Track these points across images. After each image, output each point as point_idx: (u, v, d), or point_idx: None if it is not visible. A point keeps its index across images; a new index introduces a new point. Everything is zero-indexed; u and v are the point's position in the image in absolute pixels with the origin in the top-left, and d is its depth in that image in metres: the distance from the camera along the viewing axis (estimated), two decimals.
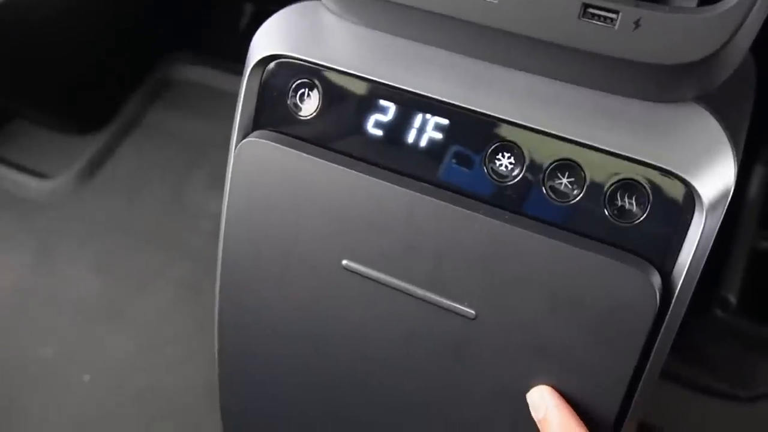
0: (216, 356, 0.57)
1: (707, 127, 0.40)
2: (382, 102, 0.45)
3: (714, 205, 0.39)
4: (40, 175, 1.19)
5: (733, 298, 0.72)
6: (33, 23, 1.08)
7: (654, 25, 0.36)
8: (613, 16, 0.37)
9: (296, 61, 0.47)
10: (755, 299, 0.74)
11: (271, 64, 0.48)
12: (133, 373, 0.96)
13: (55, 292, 1.05)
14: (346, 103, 0.46)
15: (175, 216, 1.13)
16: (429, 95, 0.44)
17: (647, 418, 0.79)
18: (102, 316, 1.01)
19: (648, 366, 0.42)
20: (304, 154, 0.46)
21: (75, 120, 1.24)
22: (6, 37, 1.05)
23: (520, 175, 0.43)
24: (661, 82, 0.39)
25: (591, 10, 0.37)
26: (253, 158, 0.48)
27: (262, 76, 0.48)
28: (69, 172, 1.18)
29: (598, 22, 0.37)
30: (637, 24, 0.37)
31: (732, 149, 0.40)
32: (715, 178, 0.39)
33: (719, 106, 0.41)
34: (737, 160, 0.40)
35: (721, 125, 0.40)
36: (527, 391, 0.44)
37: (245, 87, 0.49)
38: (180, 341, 0.98)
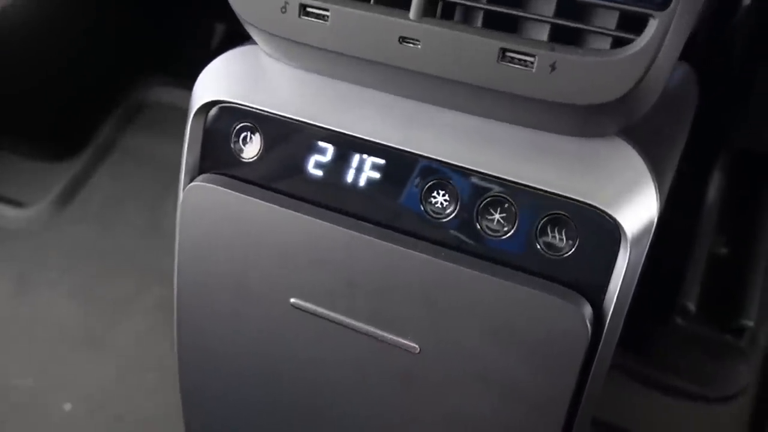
0: (179, 389, 0.58)
1: (629, 162, 0.41)
2: (321, 144, 0.47)
3: (638, 238, 0.41)
4: (16, 204, 1.20)
5: (692, 306, 0.73)
6: (5, 50, 1.08)
7: (569, 68, 0.37)
8: (530, 59, 0.38)
9: (237, 106, 0.48)
10: (715, 305, 0.76)
11: (213, 110, 0.49)
12: (113, 399, 0.97)
13: (34, 321, 1.05)
14: (286, 145, 0.48)
15: (151, 240, 1.14)
16: (364, 137, 0.45)
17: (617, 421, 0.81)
18: (81, 343, 1.02)
19: (585, 392, 0.43)
20: (249, 197, 0.48)
21: (49, 146, 1.24)
22: None
23: (455, 213, 0.44)
24: (583, 120, 0.40)
25: (509, 54, 0.39)
26: (199, 201, 0.49)
27: (205, 120, 0.50)
28: (45, 200, 1.19)
29: (517, 65, 0.39)
30: (553, 67, 0.38)
31: (654, 183, 0.41)
32: (638, 211, 0.41)
33: (643, 139, 0.42)
34: (660, 193, 0.41)
35: (643, 159, 0.41)
36: (472, 418, 0.45)
37: (189, 132, 0.50)
38: (159, 366, 0.99)
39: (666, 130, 0.47)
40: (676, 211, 0.72)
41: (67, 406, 0.96)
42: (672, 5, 0.35)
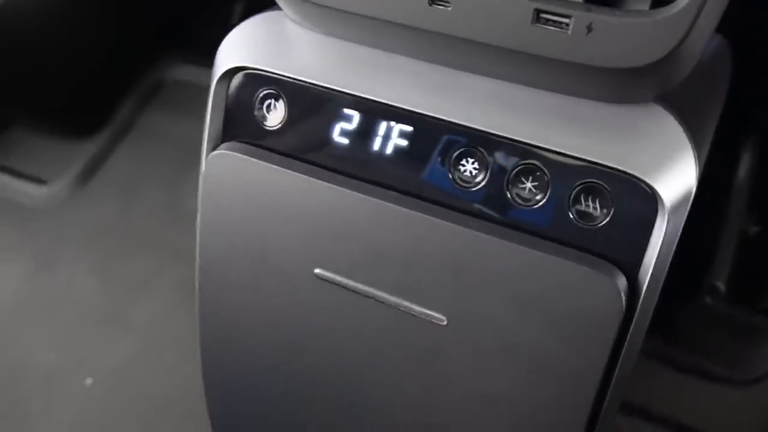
0: (200, 363, 0.58)
1: (668, 129, 0.40)
2: (347, 111, 0.46)
3: (676, 207, 0.39)
4: (37, 181, 1.20)
5: (721, 286, 0.71)
6: (24, 31, 1.08)
7: (606, 29, 0.36)
8: (566, 21, 0.37)
9: (261, 72, 0.47)
10: (745, 285, 0.74)
11: (237, 76, 0.48)
12: (133, 375, 0.97)
13: (55, 298, 1.06)
14: (311, 113, 0.47)
15: (172, 218, 1.13)
16: (392, 104, 0.44)
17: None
18: (102, 320, 1.03)
19: (618, 366, 0.42)
20: (272, 165, 0.47)
21: (70, 125, 1.24)
22: (3, 47, 1.06)
23: (485, 181, 0.43)
24: (620, 85, 0.39)
25: (544, 16, 0.37)
26: (222, 170, 0.48)
27: (228, 87, 0.49)
28: (65, 177, 1.19)
29: (552, 27, 0.37)
30: (589, 28, 0.36)
31: (693, 150, 0.39)
32: (676, 179, 0.39)
33: (681, 105, 0.41)
34: (699, 161, 0.40)
35: (682, 126, 0.40)
36: (499, 394, 0.44)
37: (212, 99, 0.49)
38: (179, 343, 0.99)
39: (703, 98, 0.45)
40: (707, 188, 0.71)
41: (89, 381, 0.97)
42: None
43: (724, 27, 0.56)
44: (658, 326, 0.79)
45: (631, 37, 0.36)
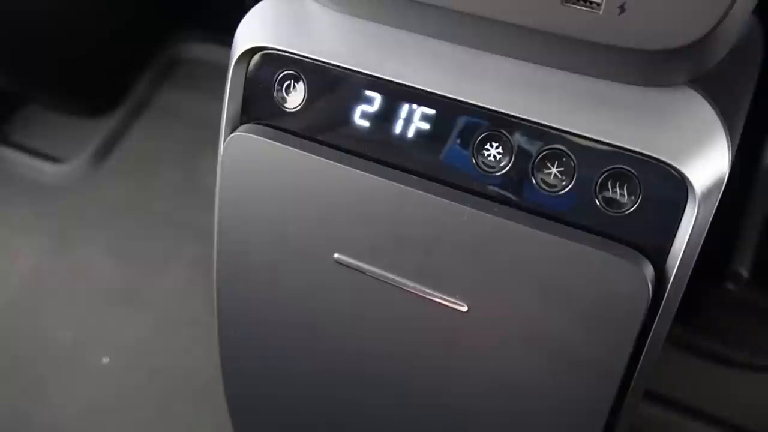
0: (218, 345, 0.57)
1: (700, 113, 0.38)
2: (368, 92, 0.45)
3: (707, 194, 0.38)
4: (54, 160, 1.20)
5: (745, 272, 0.70)
6: (40, 10, 1.08)
7: (640, 9, 0.35)
8: (597, 0, 0.35)
9: (280, 53, 0.46)
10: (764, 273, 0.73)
11: (256, 57, 0.47)
12: (150, 354, 0.98)
13: (72, 276, 1.06)
14: (331, 95, 0.46)
15: (188, 196, 1.13)
16: (414, 86, 0.43)
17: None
18: (119, 298, 1.03)
19: (643, 355, 0.41)
20: (292, 148, 0.46)
21: (86, 103, 1.24)
22: (15, 22, 1.05)
23: (509, 166, 0.42)
24: (652, 67, 0.38)
25: None
26: (241, 152, 0.48)
27: (247, 68, 0.48)
28: (82, 155, 1.19)
29: (582, 7, 0.36)
30: (622, 8, 0.35)
31: (726, 135, 0.38)
32: (708, 166, 0.38)
33: (714, 89, 0.39)
34: (732, 146, 0.39)
35: (715, 110, 0.38)
36: (521, 382, 0.43)
37: (230, 80, 0.48)
38: (195, 322, 0.99)
39: (737, 82, 0.44)
40: (733, 173, 0.69)
41: (105, 360, 0.97)
42: None
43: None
44: (680, 311, 0.78)
45: (665, 18, 0.34)
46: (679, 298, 0.40)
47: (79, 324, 1.01)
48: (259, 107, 0.48)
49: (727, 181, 0.64)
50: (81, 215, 1.14)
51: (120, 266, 1.06)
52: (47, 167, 1.19)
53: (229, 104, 0.49)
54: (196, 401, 0.93)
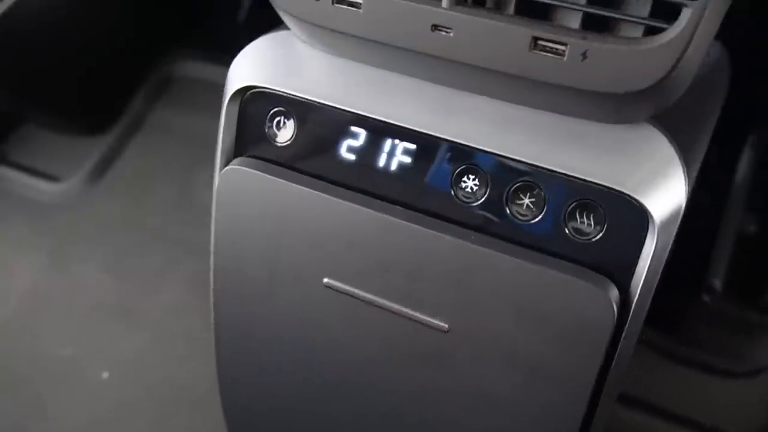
0: (216, 361, 0.60)
1: (659, 148, 0.42)
2: (354, 128, 0.48)
3: (666, 223, 0.41)
4: (51, 178, 1.23)
5: (718, 284, 0.74)
6: (36, 30, 1.10)
7: (601, 56, 0.38)
8: (562, 47, 0.39)
9: (271, 91, 0.49)
10: (742, 282, 0.76)
11: (248, 94, 0.50)
12: (148, 368, 1.00)
13: (70, 292, 1.09)
14: (319, 130, 0.49)
15: (183, 213, 1.16)
16: (396, 123, 0.46)
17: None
18: (116, 314, 1.06)
19: (611, 372, 0.44)
20: (283, 180, 0.49)
21: (82, 121, 1.27)
22: (12, 44, 1.08)
23: (485, 197, 0.45)
24: (614, 107, 0.41)
25: (541, 42, 0.39)
26: (235, 184, 0.51)
27: (240, 105, 0.51)
28: (78, 173, 1.22)
29: (548, 54, 0.39)
30: (584, 55, 0.38)
31: (683, 169, 0.41)
32: (667, 198, 0.41)
33: (673, 124, 0.43)
34: (689, 178, 0.42)
35: (673, 145, 0.42)
36: (498, 396, 0.46)
37: (224, 116, 0.51)
38: (190, 335, 1.02)
39: (696, 114, 0.47)
40: (705, 190, 0.73)
41: (105, 375, 1.00)
42: None
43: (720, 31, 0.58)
44: (659, 321, 0.81)
45: (623, 64, 0.38)
46: (643, 317, 0.43)
47: (77, 339, 1.03)
48: (251, 141, 0.51)
49: (704, 197, 0.67)
50: (78, 232, 1.17)
51: (117, 282, 1.09)
52: (44, 185, 1.21)
53: (223, 138, 0.52)
54: (193, 413, 0.95)
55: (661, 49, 0.37)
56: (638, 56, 0.37)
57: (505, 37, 0.39)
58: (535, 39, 0.39)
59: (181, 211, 1.17)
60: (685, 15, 0.36)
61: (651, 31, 0.38)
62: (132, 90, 1.30)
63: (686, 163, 0.42)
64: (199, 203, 1.17)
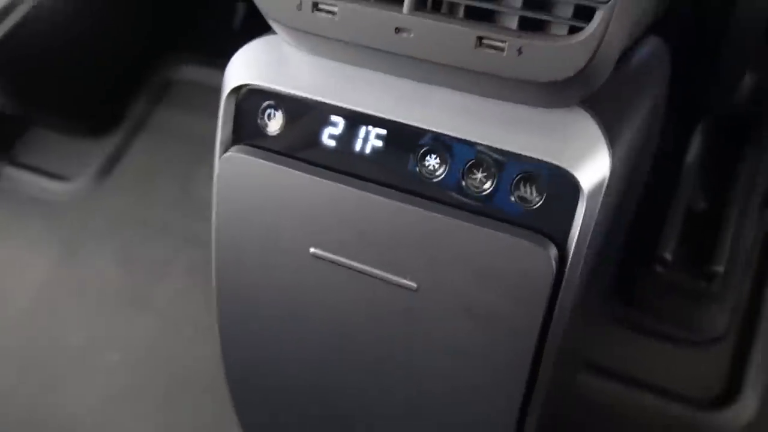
0: (218, 332, 0.68)
1: (586, 128, 0.49)
2: (333, 118, 0.56)
3: (593, 191, 0.49)
4: (61, 178, 1.31)
5: (669, 256, 0.81)
6: (45, 40, 1.18)
7: (533, 51, 0.46)
8: (502, 45, 0.46)
9: (262, 88, 0.57)
10: (690, 254, 0.84)
11: (243, 91, 0.58)
12: (156, 350, 1.08)
13: (81, 284, 1.17)
14: (304, 121, 0.57)
15: (185, 208, 1.24)
16: (369, 112, 0.54)
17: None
18: (125, 302, 1.14)
19: (553, 322, 0.52)
20: (274, 164, 0.57)
21: (88, 124, 1.35)
22: (22, 53, 1.16)
23: (445, 173, 0.53)
24: (547, 93, 0.49)
25: (485, 41, 0.47)
26: (232, 170, 0.59)
27: (235, 101, 0.59)
28: (86, 173, 1.30)
29: (491, 50, 0.47)
30: (520, 51, 0.46)
31: (607, 145, 0.49)
32: (593, 169, 0.49)
33: (600, 107, 0.51)
34: (613, 154, 0.50)
35: (599, 125, 0.49)
36: (461, 344, 0.54)
37: (223, 110, 0.59)
38: (196, 320, 1.10)
39: (624, 98, 0.55)
40: (660, 172, 0.81)
41: (115, 357, 1.08)
42: None
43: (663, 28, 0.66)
44: (619, 293, 0.89)
45: (551, 57, 0.45)
46: (578, 272, 0.51)
47: (89, 326, 1.11)
48: (246, 132, 0.59)
49: (657, 179, 0.76)
50: (87, 228, 1.24)
51: (124, 272, 1.17)
52: (54, 185, 1.30)
53: (222, 130, 0.60)
54: (198, 394, 1.03)
55: (580, 45, 0.45)
56: (562, 51, 0.45)
57: (455, 37, 0.47)
58: (480, 38, 0.47)
59: (182, 206, 1.25)
60: (598, 16, 0.44)
61: (574, 30, 0.46)
62: (135, 93, 1.38)
63: (610, 140, 0.50)
64: (198, 198, 1.25)
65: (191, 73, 1.41)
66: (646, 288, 0.86)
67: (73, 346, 1.09)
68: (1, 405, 1.03)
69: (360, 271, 0.56)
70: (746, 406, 0.89)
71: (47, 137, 1.36)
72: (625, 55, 0.57)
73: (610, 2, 0.43)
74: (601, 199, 0.49)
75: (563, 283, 0.51)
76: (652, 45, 0.63)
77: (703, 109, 0.89)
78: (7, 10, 1.16)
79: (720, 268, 0.80)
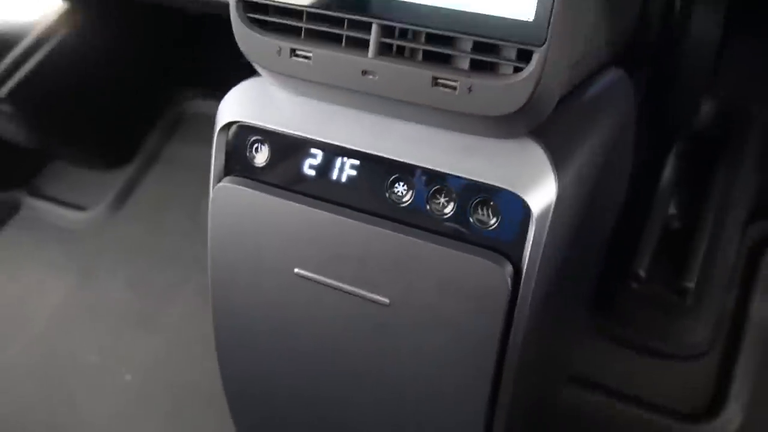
0: (216, 350, 0.74)
1: (535, 156, 0.55)
2: (313, 150, 0.62)
3: (542, 214, 0.54)
4: (78, 207, 1.39)
5: (642, 272, 0.86)
6: (66, 78, 1.27)
7: (481, 89, 0.51)
8: (454, 84, 0.52)
9: (250, 125, 0.64)
10: (664, 270, 0.88)
11: (233, 128, 0.65)
12: (165, 369, 1.14)
13: (96, 307, 1.24)
14: (287, 153, 0.63)
15: (193, 236, 1.31)
16: (343, 145, 0.60)
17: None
18: (137, 324, 1.20)
19: (512, 334, 0.57)
20: (261, 193, 0.63)
21: (104, 157, 1.43)
22: (45, 92, 1.25)
23: (411, 199, 0.59)
24: (497, 126, 0.54)
25: (439, 80, 0.53)
26: (225, 198, 0.65)
27: (227, 136, 0.65)
28: (102, 203, 1.38)
29: (445, 89, 0.53)
30: (470, 89, 0.52)
31: (553, 173, 0.54)
32: (542, 194, 0.54)
33: (549, 137, 0.56)
34: (558, 179, 0.55)
35: (546, 154, 0.55)
36: (428, 354, 0.60)
37: (215, 145, 0.66)
38: (203, 340, 1.15)
39: (574, 128, 0.60)
40: (637, 191, 0.86)
41: (128, 377, 1.14)
42: (547, 42, 0.49)
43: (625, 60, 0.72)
44: (600, 307, 0.94)
45: (496, 95, 0.51)
46: (532, 287, 0.56)
47: (103, 346, 1.18)
48: (236, 164, 0.65)
49: (634, 199, 0.81)
50: (102, 254, 1.32)
51: (136, 296, 1.23)
52: (72, 214, 1.37)
53: (215, 163, 0.66)
54: (204, 408, 1.09)
55: (521, 83, 0.50)
56: (505, 89, 0.51)
57: (413, 77, 0.53)
58: (435, 78, 0.53)
59: (191, 234, 1.32)
60: (535, 57, 0.49)
61: (518, 69, 0.52)
62: (149, 127, 1.46)
63: (557, 167, 0.55)
64: (206, 227, 1.31)
65: (202, 107, 1.49)
66: (624, 302, 0.91)
67: (87, 365, 1.16)
68: (19, 418, 1.10)
69: (338, 289, 0.61)
70: (730, 420, 0.92)
71: (66, 169, 1.45)
72: (581, 87, 0.62)
73: (544, 46, 0.49)
74: (549, 219, 0.55)
75: (519, 297, 0.56)
76: (611, 76, 0.68)
77: (678, 133, 0.94)
78: (30, 51, 1.25)
79: (691, 284, 0.84)
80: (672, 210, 0.93)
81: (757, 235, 0.96)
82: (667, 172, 0.93)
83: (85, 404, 1.12)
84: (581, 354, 0.95)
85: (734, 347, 0.94)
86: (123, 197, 1.39)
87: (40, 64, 1.23)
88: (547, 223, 0.55)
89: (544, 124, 0.56)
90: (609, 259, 0.82)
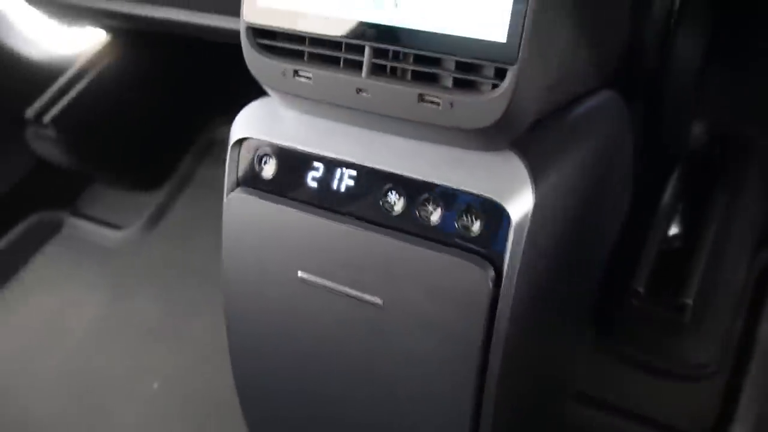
0: (228, 351, 0.79)
1: (515, 167, 0.59)
2: (315, 163, 0.67)
3: (521, 221, 0.58)
4: (115, 227, 1.47)
5: (642, 289, 0.88)
6: (104, 106, 1.36)
7: (461, 105, 0.56)
8: (438, 100, 0.57)
9: (259, 140, 0.70)
10: (663, 288, 0.91)
11: (244, 143, 0.71)
12: (192, 379, 1.20)
13: (128, 321, 1.31)
14: (292, 166, 0.69)
15: (220, 254, 1.37)
16: (341, 158, 0.65)
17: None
18: (166, 336, 1.26)
19: (494, 336, 0.61)
20: (270, 203, 0.69)
21: (140, 180, 1.52)
22: (86, 119, 1.34)
23: (403, 207, 0.63)
24: (478, 139, 0.59)
25: (425, 98, 0.58)
26: (236, 208, 0.71)
27: (239, 151, 0.71)
28: (136, 223, 1.46)
29: (430, 105, 0.58)
30: (452, 105, 0.57)
31: (531, 182, 0.58)
32: (520, 203, 0.58)
33: (528, 150, 0.60)
34: (535, 188, 0.59)
35: (525, 165, 0.59)
36: (417, 352, 0.64)
37: (228, 159, 0.72)
38: (226, 351, 1.21)
39: (556, 142, 0.64)
40: (636, 211, 0.89)
41: (156, 385, 1.20)
42: (519, 60, 0.54)
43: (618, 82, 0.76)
44: (600, 324, 0.96)
45: (474, 110, 0.56)
46: (513, 291, 0.60)
47: (134, 358, 1.24)
48: (247, 176, 0.71)
49: (633, 218, 0.84)
50: (135, 272, 1.39)
51: (166, 311, 1.30)
52: (109, 233, 1.46)
53: (228, 175, 0.72)
54: (228, 413, 1.13)
55: (496, 99, 0.55)
56: (483, 104, 0.55)
57: (402, 95, 0.58)
58: (421, 95, 0.58)
59: (219, 253, 1.38)
60: (509, 75, 0.54)
61: (496, 86, 0.56)
62: (182, 152, 1.55)
63: (534, 178, 0.59)
64: None
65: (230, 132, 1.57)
66: (623, 319, 0.93)
67: (119, 375, 1.22)
68: (55, 422, 1.16)
69: (336, 290, 0.66)
70: None
71: (105, 192, 1.54)
72: (568, 106, 0.67)
73: (516, 65, 0.54)
74: (528, 226, 0.59)
75: (500, 298, 0.60)
76: (600, 97, 0.72)
77: (678, 156, 0.97)
78: (73, 81, 1.35)
79: (689, 300, 0.87)
80: (674, 230, 0.96)
81: (766, 259, 0.98)
82: (669, 193, 0.96)
83: (115, 411, 1.18)
84: (582, 371, 0.98)
85: (740, 370, 0.95)
86: (156, 218, 1.47)
87: (82, 93, 1.32)
88: (526, 229, 0.59)
89: (527, 139, 0.60)
90: (609, 276, 0.85)
